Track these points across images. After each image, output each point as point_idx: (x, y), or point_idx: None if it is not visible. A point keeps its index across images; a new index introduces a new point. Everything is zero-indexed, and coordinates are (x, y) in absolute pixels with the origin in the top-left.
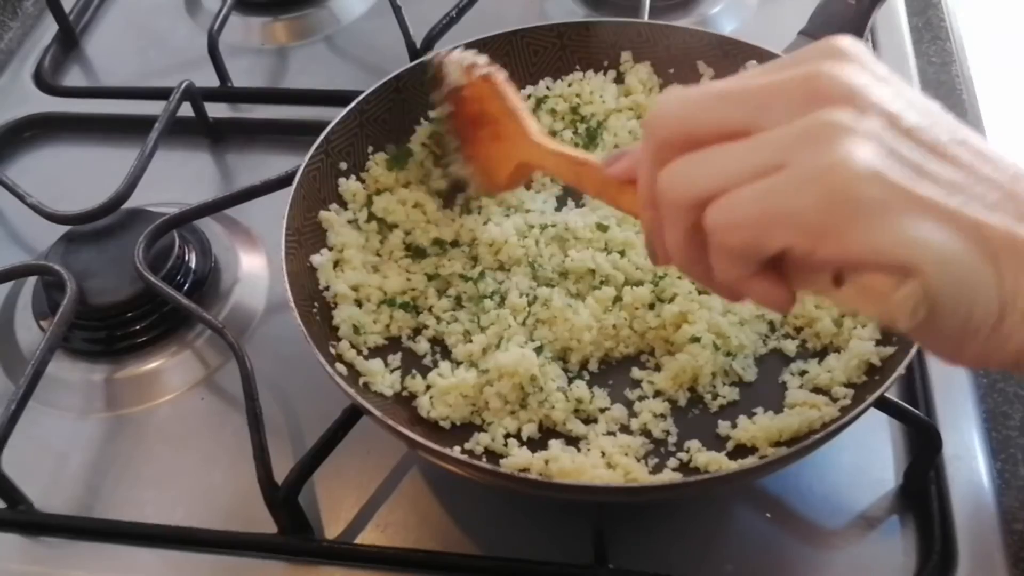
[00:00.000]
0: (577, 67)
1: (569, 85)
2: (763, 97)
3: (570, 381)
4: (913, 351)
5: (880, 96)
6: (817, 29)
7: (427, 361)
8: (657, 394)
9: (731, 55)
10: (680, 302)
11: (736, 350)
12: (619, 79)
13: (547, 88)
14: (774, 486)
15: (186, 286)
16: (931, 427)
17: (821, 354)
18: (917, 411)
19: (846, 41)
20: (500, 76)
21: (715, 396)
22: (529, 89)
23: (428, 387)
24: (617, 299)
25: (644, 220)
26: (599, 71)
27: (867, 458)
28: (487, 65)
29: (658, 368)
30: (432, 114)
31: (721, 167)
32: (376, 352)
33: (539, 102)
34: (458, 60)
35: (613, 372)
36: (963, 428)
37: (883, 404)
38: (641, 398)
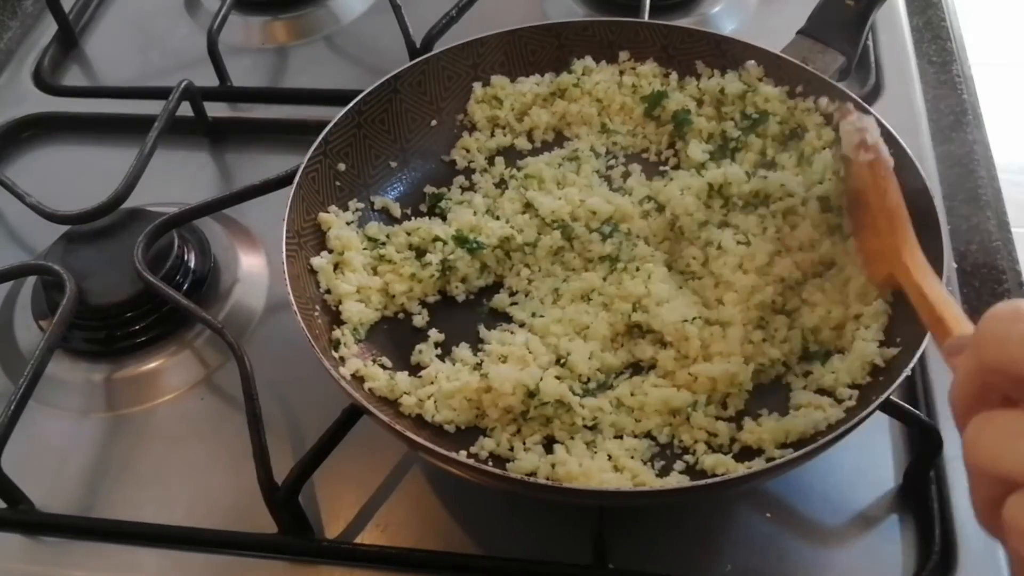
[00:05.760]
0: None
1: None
2: None
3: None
4: (918, 353)
5: None
6: (816, 29)
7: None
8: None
9: (729, 54)
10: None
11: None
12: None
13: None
14: (774, 486)
15: (185, 286)
16: (932, 428)
17: (825, 355)
18: (918, 412)
19: None
20: (885, 167)
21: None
22: (535, 78)
23: (431, 393)
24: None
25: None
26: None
27: (867, 458)
28: (876, 148)
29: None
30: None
31: None
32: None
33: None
34: (851, 130)
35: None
36: None
37: (885, 405)
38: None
